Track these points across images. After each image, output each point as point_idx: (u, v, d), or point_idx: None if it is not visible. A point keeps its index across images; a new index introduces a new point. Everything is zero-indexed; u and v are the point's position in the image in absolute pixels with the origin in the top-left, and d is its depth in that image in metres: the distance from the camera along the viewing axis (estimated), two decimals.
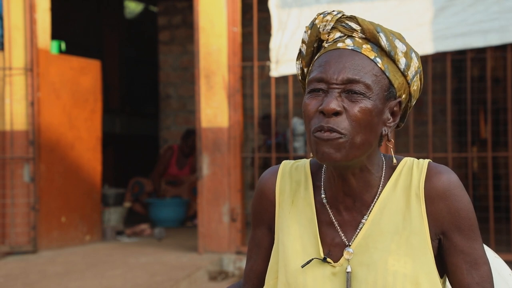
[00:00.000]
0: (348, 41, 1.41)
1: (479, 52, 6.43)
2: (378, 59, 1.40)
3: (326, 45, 1.43)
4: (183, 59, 9.79)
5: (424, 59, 5.91)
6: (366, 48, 1.41)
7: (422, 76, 1.50)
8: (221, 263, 6.09)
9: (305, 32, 1.46)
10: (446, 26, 5.61)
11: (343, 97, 1.39)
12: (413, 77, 1.45)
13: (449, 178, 1.46)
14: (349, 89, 1.38)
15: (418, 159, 1.52)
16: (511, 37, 5.48)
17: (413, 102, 1.51)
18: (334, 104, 1.37)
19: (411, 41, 5.57)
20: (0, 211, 6.48)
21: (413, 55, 1.45)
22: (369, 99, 1.39)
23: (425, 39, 5.62)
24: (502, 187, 7.71)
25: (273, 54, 6.06)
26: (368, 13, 5.69)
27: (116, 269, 5.80)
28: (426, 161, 1.50)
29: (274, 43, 6.06)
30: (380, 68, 1.41)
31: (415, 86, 1.47)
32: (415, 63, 1.45)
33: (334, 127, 1.37)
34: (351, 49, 1.40)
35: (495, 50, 6.53)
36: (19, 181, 6.47)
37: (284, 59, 6.00)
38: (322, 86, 1.40)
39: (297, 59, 1.51)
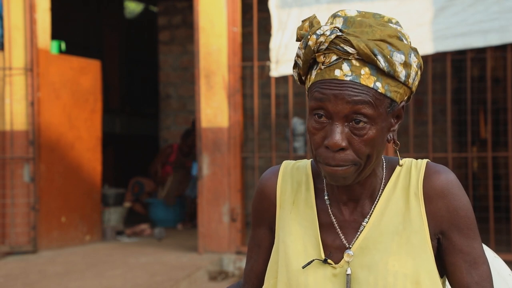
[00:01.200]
0: (346, 68, 1.37)
1: (479, 52, 6.43)
2: (378, 84, 1.38)
3: (322, 67, 1.40)
4: (183, 59, 9.79)
5: (424, 59, 5.91)
6: (365, 74, 1.37)
7: (422, 68, 1.47)
8: (221, 263, 6.09)
9: (299, 48, 1.43)
10: (446, 26, 5.61)
11: (346, 129, 1.38)
12: (414, 79, 1.43)
13: (448, 177, 1.46)
14: (352, 120, 1.37)
15: (417, 159, 1.53)
16: (511, 37, 5.48)
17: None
18: (338, 140, 1.36)
19: (411, 41, 5.56)
20: (0, 211, 6.48)
21: (412, 56, 1.41)
22: (372, 125, 1.38)
23: (425, 39, 5.62)
24: (502, 187, 7.71)
25: (273, 54, 6.06)
26: None
27: (116, 269, 5.80)
28: (425, 161, 1.50)
29: (274, 43, 6.07)
30: (381, 93, 1.38)
31: (416, 82, 1.46)
32: (414, 65, 1.42)
33: (342, 163, 1.38)
34: (350, 80, 1.37)
35: (495, 50, 6.53)
36: (19, 181, 6.47)
37: (284, 59, 6.00)
38: (325, 114, 1.39)
39: (294, 67, 1.49)
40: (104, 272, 5.70)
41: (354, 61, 1.37)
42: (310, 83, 1.43)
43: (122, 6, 13.11)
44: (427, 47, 5.62)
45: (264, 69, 7.20)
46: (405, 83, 1.41)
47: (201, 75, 6.25)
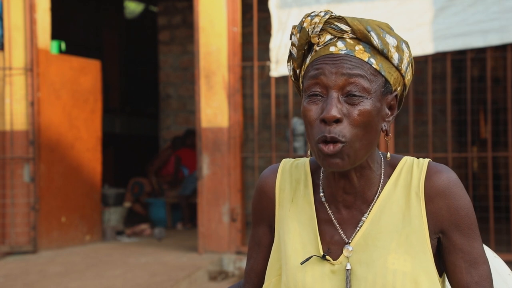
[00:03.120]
0: (340, 44, 1.40)
1: (479, 52, 6.43)
2: (372, 60, 1.40)
3: (317, 48, 1.42)
4: (183, 59, 9.79)
5: (424, 59, 5.91)
6: (359, 50, 1.40)
7: (413, 63, 1.50)
8: (221, 263, 6.09)
9: (293, 34, 1.46)
10: (446, 26, 5.61)
11: (342, 101, 1.39)
12: (406, 68, 1.46)
13: (449, 177, 1.46)
14: (347, 93, 1.39)
15: (418, 158, 1.53)
16: (511, 37, 5.48)
17: (407, 90, 1.52)
18: (334, 111, 1.37)
19: (411, 41, 5.57)
20: (0, 211, 6.48)
21: (404, 46, 1.45)
22: (367, 100, 1.39)
23: (425, 39, 5.62)
24: (502, 187, 7.71)
25: (273, 54, 6.07)
26: (368, 13, 5.69)
27: (116, 269, 5.80)
28: (426, 160, 1.50)
29: (274, 43, 6.07)
30: (375, 68, 1.41)
31: (409, 75, 1.48)
32: (406, 54, 1.45)
33: (337, 136, 1.37)
34: (345, 53, 1.40)
35: (495, 50, 6.53)
36: (19, 181, 6.47)
37: (284, 59, 6.00)
38: (320, 90, 1.41)
39: (288, 60, 1.51)
40: (104, 272, 5.70)
41: (348, 40, 1.41)
42: (305, 69, 1.45)
43: (122, 6, 13.11)
44: (427, 47, 5.62)
45: (264, 69, 7.20)
46: (398, 68, 1.44)
47: (201, 75, 6.25)
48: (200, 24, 6.25)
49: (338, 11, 5.73)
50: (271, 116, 6.55)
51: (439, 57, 6.44)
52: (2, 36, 6.51)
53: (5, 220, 6.47)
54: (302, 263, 1.47)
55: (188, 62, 9.54)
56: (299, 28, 1.44)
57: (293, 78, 1.54)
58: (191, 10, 7.02)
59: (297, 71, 1.50)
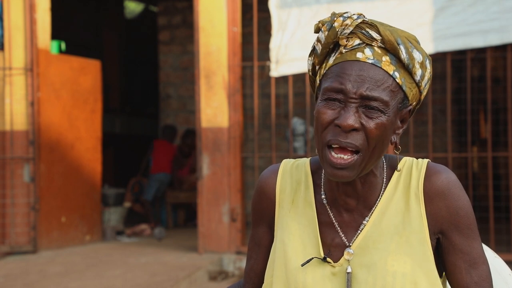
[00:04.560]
0: (368, 52, 1.38)
1: (479, 52, 6.43)
2: (396, 74, 1.38)
3: (344, 51, 1.40)
4: (183, 59, 9.79)
5: None
6: (386, 62, 1.38)
7: (431, 79, 1.49)
8: (221, 263, 6.09)
9: (321, 31, 1.42)
10: (446, 26, 5.61)
11: (360, 112, 1.37)
12: (425, 85, 1.44)
13: (448, 177, 1.46)
14: (366, 104, 1.37)
15: (417, 159, 1.52)
16: (511, 37, 5.48)
17: (420, 104, 1.51)
18: (352, 120, 1.36)
19: None
20: (0, 211, 6.48)
21: (427, 62, 1.43)
22: (385, 115, 1.38)
23: (425, 39, 5.62)
24: (502, 187, 7.71)
25: (273, 54, 6.07)
26: (368, 13, 5.69)
27: (116, 269, 5.80)
28: (425, 161, 1.50)
29: (274, 43, 6.07)
30: (398, 83, 1.39)
31: (425, 91, 1.47)
32: (428, 71, 1.43)
33: (353, 142, 1.36)
34: (372, 63, 1.38)
35: (495, 50, 6.53)
36: (19, 181, 6.47)
37: (284, 59, 6.00)
38: (339, 96, 1.38)
39: (310, 55, 1.48)
40: (104, 272, 5.70)
41: (376, 48, 1.39)
42: (327, 68, 1.43)
43: (122, 6, 13.11)
44: (427, 47, 5.62)
45: (264, 69, 7.20)
46: (418, 84, 1.42)
47: (201, 75, 6.25)
48: (200, 24, 6.25)
49: (337, 10, 5.73)
50: (271, 116, 6.55)
51: (439, 57, 6.44)
52: (2, 36, 6.51)
53: (5, 220, 6.47)
54: (302, 265, 1.47)
55: (188, 62, 9.54)
56: (329, 26, 1.41)
57: (310, 73, 1.51)
58: (191, 10, 7.02)
59: (317, 67, 1.47)
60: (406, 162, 1.51)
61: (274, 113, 6.33)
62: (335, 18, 1.40)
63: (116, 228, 7.73)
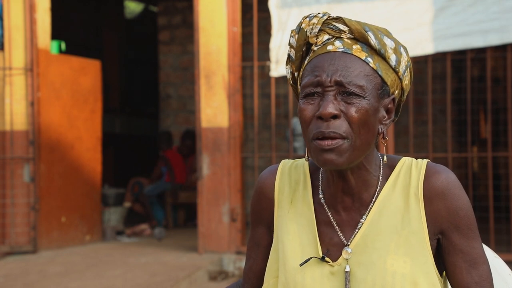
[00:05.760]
0: (338, 43, 1.41)
1: (479, 52, 6.43)
2: (369, 59, 1.41)
3: (315, 48, 1.43)
4: (183, 59, 9.79)
5: (424, 59, 5.91)
6: (357, 49, 1.41)
7: (412, 69, 1.51)
8: (221, 263, 6.09)
9: (291, 36, 1.47)
10: (446, 26, 5.61)
11: (338, 99, 1.39)
12: (404, 72, 1.46)
13: (448, 177, 1.46)
14: (343, 91, 1.39)
15: (416, 159, 1.53)
16: (511, 37, 5.48)
17: (405, 96, 1.52)
18: (331, 107, 1.37)
19: (411, 41, 5.57)
20: (0, 211, 6.48)
21: (402, 49, 1.45)
22: (364, 99, 1.39)
23: (425, 39, 5.62)
24: (502, 187, 7.71)
25: (273, 54, 6.07)
26: (368, 13, 5.69)
27: (116, 269, 5.80)
28: (425, 161, 1.50)
29: (274, 43, 6.07)
30: (372, 68, 1.41)
31: (407, 80, 1.49)
32: (405, 58, 1.45)
33: (336, 130, 1.37)
34: (342, 51, 1.41)
35: (495, 50, 6.53)
36: (19, 181, 6.47)
37: (284, 59, 6.00)
38: (317, 89, 1.40)
39: (287, 64, 1.52)
40: (104, 272, 5.70)
41: (346, 39, 1.42)
42: (303, 70, 1.46)
43: (122, 6, 13.11)
44: (427, 47, 5.62)
45: (264, 69, 7.20)
46: (395, 70, 1.44)
47: (201, 75, 6.25)
48: (200, 24, 6.25)
49: (338, 11, 5.74)
50: (271, 116, 6.55)
51: (439, 57, 6.44)
52: (2, 36, 6.51)
53: (5, 220, 6.47)
54: (301, 265, 1.47)
55: (188, 62, 9.54)
56: (298, 30, 1.45)
57: (291, 82, 1.54)
58: (191, 10, 7.02)
59: (296, 74, 1.50)
60: (405, 162, 1.51)
61: (274, 113, 6.33)
62: (302, 21, 1.44)
63: (116, 228, 7.73)
